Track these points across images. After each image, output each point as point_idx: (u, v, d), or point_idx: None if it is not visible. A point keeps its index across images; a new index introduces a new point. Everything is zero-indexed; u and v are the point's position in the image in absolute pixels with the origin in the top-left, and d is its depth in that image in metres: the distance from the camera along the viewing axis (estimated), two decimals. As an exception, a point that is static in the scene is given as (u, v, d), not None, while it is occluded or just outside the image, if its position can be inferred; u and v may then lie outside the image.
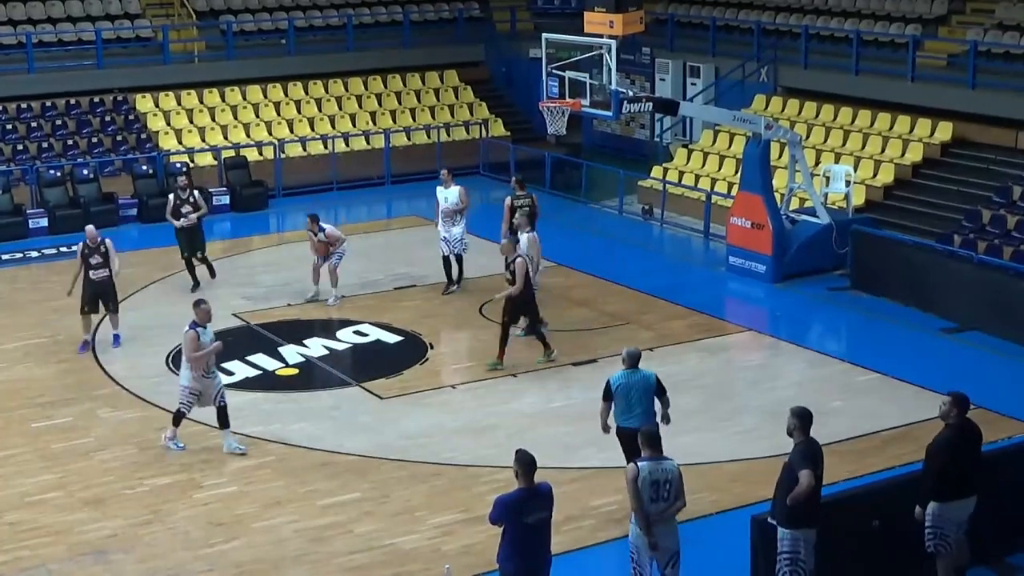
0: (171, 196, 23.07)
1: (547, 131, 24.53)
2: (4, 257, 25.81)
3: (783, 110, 29.56)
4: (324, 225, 22.07)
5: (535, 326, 19.33)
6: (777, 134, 23.90)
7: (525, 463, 11.18)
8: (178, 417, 16.30)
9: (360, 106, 33.45)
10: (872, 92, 28.26)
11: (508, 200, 22.40)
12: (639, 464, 11.64)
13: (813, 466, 11.51)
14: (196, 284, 22.90)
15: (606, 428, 14.26)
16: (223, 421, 16.24)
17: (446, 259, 22.71)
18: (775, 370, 19.68)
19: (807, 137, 27.56)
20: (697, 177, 28.73)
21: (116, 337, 20.36)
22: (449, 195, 22.70)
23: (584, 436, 16.09)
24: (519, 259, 18.77)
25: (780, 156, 26.58)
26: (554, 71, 23.60)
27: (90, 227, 20.51)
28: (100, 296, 20.14)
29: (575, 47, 23.44)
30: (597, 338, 20.39)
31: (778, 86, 30.50)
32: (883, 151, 27.21)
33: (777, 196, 24.20)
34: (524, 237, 20.15)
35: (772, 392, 18.20)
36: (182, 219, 22.63)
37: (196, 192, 23.20)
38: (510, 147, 31.79)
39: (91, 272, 19.99)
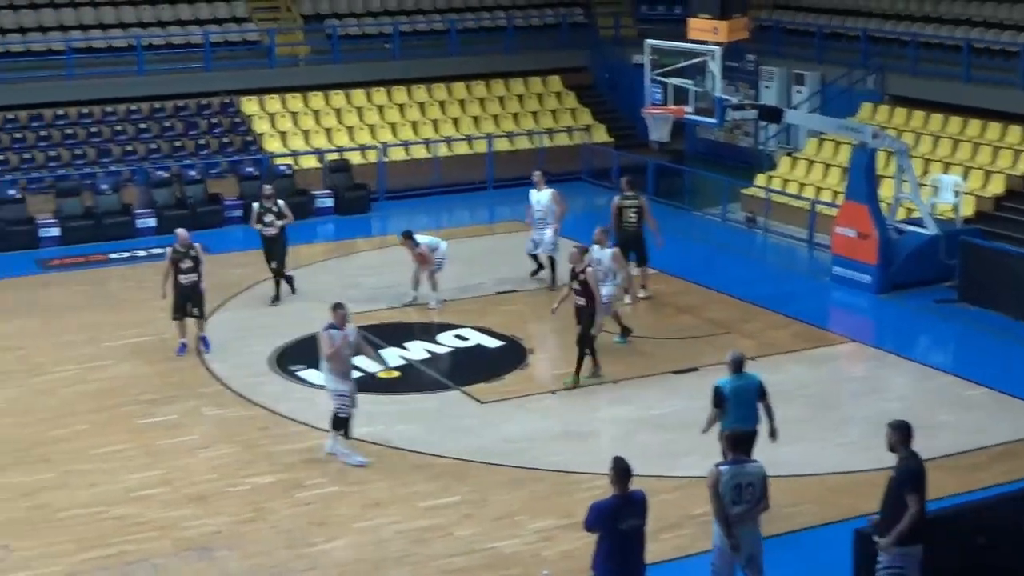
0: (255, 204, 22.86)
1: (650, 138, 24.44)
2: (112, 256, 26.22)
3: (890, 119, 29.14)
4: (419, 239, 22.16)
5: (591, 341, 18.63)
6: (884, 143, 23.58)
7: (620, 470, 11.16)
8: (340, 423, 16.02)
9: (463, 111, 33.57)
10: (982, 101, 27.76)
11: (616, 200, 22.48)
12: (721, 468, 11.64)
13: (920, 488, 11.32)
14: (277, 298, 22.54)
15: (707, 431, 14.20)
16: (338, 426, 16.15)
17: (531, 254, 23.44)
18: (880, 382, 19.39)
19: (915, 147, 27.16)
20: (801, 185, 28.42)
21: (204, 340, 20.19)
22: (541, 198, 23.09)
23: (685, 444, 15.99)
24: (589, 269, 18.47)
25: (887, 166, 26.20)
26: (657, 78, 23.51)
27: (181, 231, 20.35)
28: (188, 301, 19.96)
29: (679, 54, 23.31)
30: (699, 346, 20.24)
31: (886, 94, 30.08)
32: (993, 161, 26.71)
33: (883, 206, 23.87)
34: (606, 252, 19.73)
35: (877, 404, 17.91)
36: (264, 227, 22.35)
37: (280, 202, 22.75)
38: (613, 153, 31.70)
39: (180, 276, 19.84)
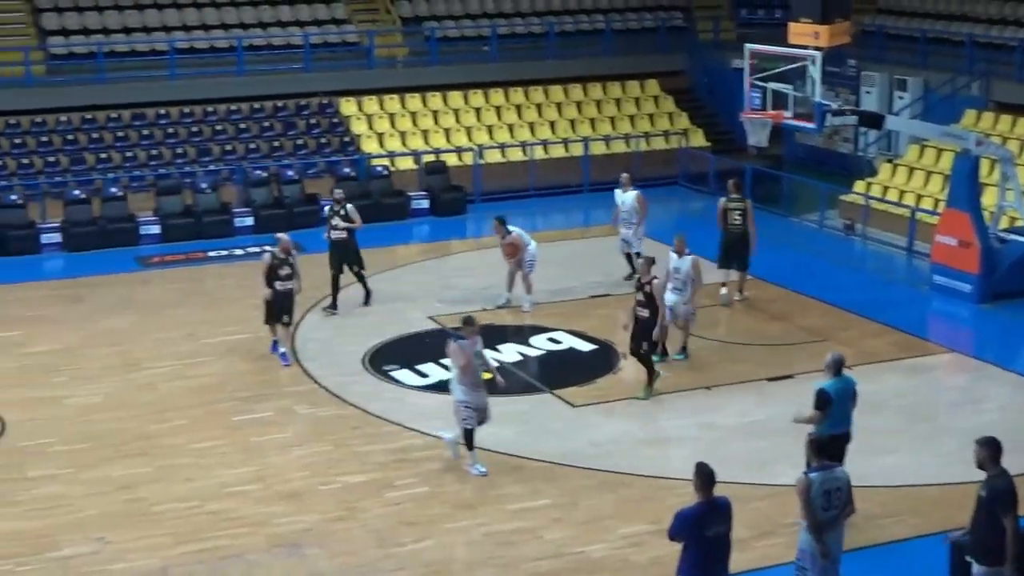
0: (326, 207, 22.66)
1: (748, 142, 24.27)
2: (211, 254, 26.55)
3: (995, 126, 28.63)
4: (511, 228, 22.18)
5: (650, 352, 18.35)
6: (988, 150, 23.18)
7: (704, 476, 11.09)
8: (467, 436, 15.81)
9: (560, 114, 33.55)
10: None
11: (722, 202, 22.48)
12: (810, 475, 11.53)
13: (1014, 507, 11.10)
14: (334, 307, 22.22)
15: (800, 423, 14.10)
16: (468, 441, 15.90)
17: (627, 254, 23.54)
18: (979, 393, 19.05)
19: (1020, 154, 26.66)
20: (901, 192, 28.02)
21: (283, 355, 19.85)
22: (626, 199, 23.44)
23: (777, 451, 15.85)
24: (656, 280, 18.20)
25: (990, 173, 25.75)
26: (757, 82, 23.31)
27: (284, 236, 20.16)
28: (282, 308, 19.80)
29: (779, 58, 23.10)
30: (794, 353, 20.04)
31: (990, 101, 29.57)
32: (1100, 170, 26.16)
33: (986, 214, 23.46)
34: (685, 260, 19.39)
35: (976, 416, 17.59)
36: (331, 231, 22.05)
37: (349, 206, 22.20)
38: (710, 158, 31.51)
39: (276, 283, 19.68)
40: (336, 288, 22.26)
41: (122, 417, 17.87)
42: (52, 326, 21.87)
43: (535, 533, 14.42)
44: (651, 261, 18.43)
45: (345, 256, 22.23)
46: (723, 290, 22.37)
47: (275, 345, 20.11)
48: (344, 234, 22.10)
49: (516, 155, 31.91)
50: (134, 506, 15.13)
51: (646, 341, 18.10)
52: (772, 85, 23.11)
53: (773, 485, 15.31)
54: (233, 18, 33.41)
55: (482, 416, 15.78)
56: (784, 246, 26.35)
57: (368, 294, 22.64)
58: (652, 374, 18.29)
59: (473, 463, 15.89)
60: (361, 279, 22.56)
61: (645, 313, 18.06)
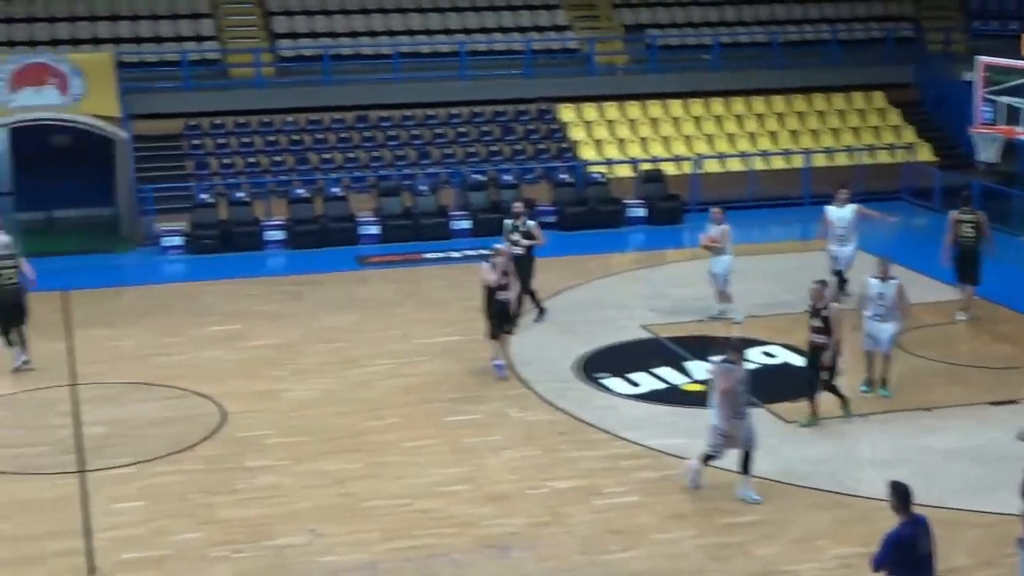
0: (507, 222, 22.13)
1: (977, 158, 23.53)
2: (427, 256, 26.92)
3: None
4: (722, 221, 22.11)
5: (831, 379, 17.54)
6: None
7: (902, 493, 10.92)
8: (707, 459, 15.42)
9: (781, 124, 33.08)
10: None
11: (953, 214, 21.91)
12: None
13: None
14: (541, 312, 22.00)
15: None
16: (744, 466, 15.38)
17: (837, 272, 22.76)
18: None
19: None
20: None
21: (500, 366, 19.56)
22: (844, 214, 22.77)
23: (997, 479, 15.25)
24: (833, 305, 17.37)
25: None
26: (988, 96, 22.55)
27: (503, 246, 19.97)
28: (501, 319, 19.56)
29: (1013, 71, 22.30)
30: (1019, 378, 19.31)
31: None
32: None
33: None
34: (890, 284, 18.38)
35: None
36: (511, 246, 21.28)
37: (531, 222, 21.83)
38: (936, 173, 30.64)
39: (499, 293, 19.40)
40: (533, 296, 21.98)
41: (338, 413, 18.22)
42: (273, 321, 22.46)
43: (744, 548, 14.18)
44: (823, 284, 17.63)
45: (519, 270, 21.14)
46: (959, 314, 21.72)
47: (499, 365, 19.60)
48: (522, 250, 21.56)
49: (735, 165, 31.57)
50: (346, 500, 15.39)
51: (825, 369, 17.36)
52: (1004, 99, 22.32)
53: (992, 513, 14.74)
54: (456, 23, 33.87)
55: (735, 444, 15.21)
56: (1013, 266, 25.42)
57: (539, 312, 22.16)
58: (843, 400, 17.73)
59: (695, 477, 15.53)
60: (530, 292, 21.95)
61: (821, 340, 17.30)
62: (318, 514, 15.01)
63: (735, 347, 15.54)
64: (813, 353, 17.42)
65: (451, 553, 14.09)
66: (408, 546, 14.23)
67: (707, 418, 15.47)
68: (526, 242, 21.77)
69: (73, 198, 30.10)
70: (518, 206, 22.33)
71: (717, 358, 15.67)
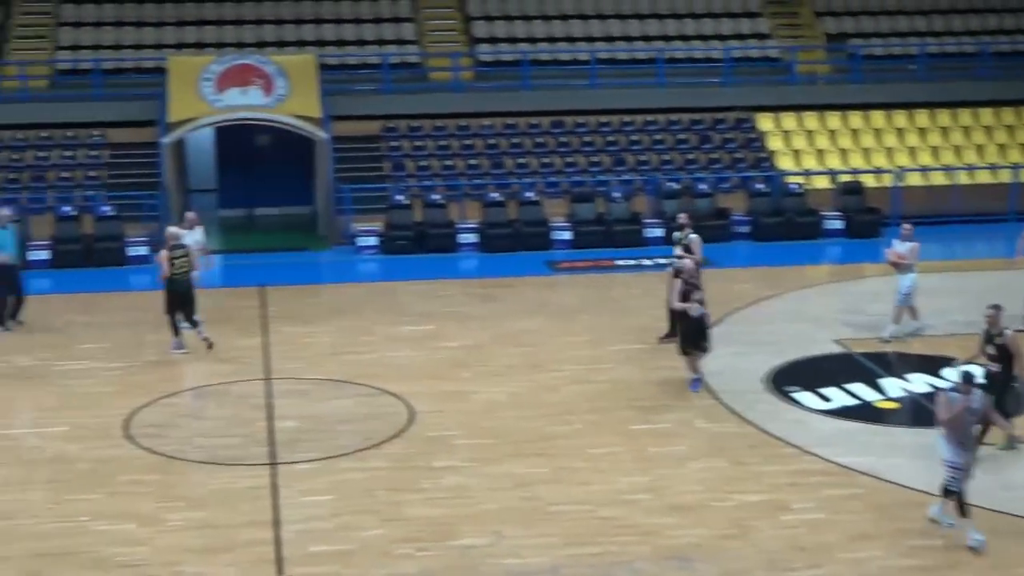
0: (675, 233, 21.54)
1: None
2: (619, 263, 26.84)
3: None
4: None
5: (1004, 408, 16.43)
6: None
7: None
8: (947, 494, 14.56)
9: (989, 138, 32.12)
10: None
11: None
12: None
13: None
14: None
15: None
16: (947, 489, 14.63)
17: None
18: None
19: None
20: None
21: (695, 381, 19.22)
22: None
23: None
24: (1009, 331, 16.44)
25: None
26: None
27: (687, 262, 19.56)
28: (697, 335, 18.97)
29: None
30: None
31: None
32: None
33: None
34: None
35: None
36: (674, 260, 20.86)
37: (694, 236, 21.08)
38: None
39: (688, 309, 18.85)
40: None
41: (524, 416, 18.26)
42: (464, 323, 22.65)
43: (931, 572, 13.75)
44: (999, 308, 16.75)
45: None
46: None
47: (695, 384, 19.21)
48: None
49: (938, 179, 30.75)
50: (530, 504, 15.39)
51: (1001, 398, 16.43)
52: None
53: None
54: (655, 30, 33.72)
55: (971, 475, 14.55)
56: None
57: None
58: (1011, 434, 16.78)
59: (968, 530, 14.51)
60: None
61: (996, 367, 16.51)
62: (502, 516, 15.04)
63: (966, 379, 14.48)
64: (991, 381, 16.61)
65: (633, 561, 13.98)
66: (590, 552, 14.17)
67: (936, 449, 14.80)
68: (688, 257, 20.99)
69: (273, 197, 30.88)
70: (682, 217, 21.90)
71: (947, 385, 15.02)
